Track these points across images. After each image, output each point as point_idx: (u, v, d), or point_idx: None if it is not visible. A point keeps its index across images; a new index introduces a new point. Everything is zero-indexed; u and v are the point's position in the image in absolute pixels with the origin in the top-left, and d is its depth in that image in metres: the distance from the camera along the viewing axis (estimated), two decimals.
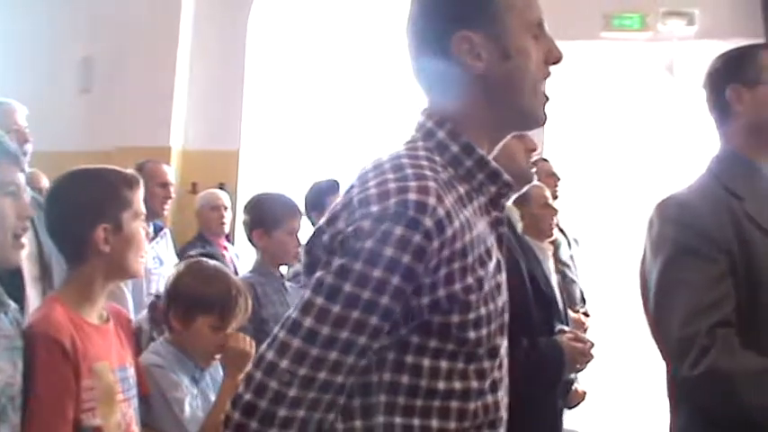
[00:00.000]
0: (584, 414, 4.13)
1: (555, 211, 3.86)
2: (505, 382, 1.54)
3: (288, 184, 5.55)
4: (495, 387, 1.48)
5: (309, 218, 4.14)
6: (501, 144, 1.58)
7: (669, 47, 6.11)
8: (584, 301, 4.52)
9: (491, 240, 1.47)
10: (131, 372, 2.27)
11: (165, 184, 4.76)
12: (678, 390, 2.05)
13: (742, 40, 5.02)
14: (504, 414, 1.50)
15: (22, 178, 2.01)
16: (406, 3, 1.56)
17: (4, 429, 1.88)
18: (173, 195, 4.87)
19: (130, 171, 2.41)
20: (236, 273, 4.27)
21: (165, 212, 4.85)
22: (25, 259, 2.41)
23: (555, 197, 4.26)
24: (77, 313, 2.11)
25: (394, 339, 1.37)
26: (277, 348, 1.33)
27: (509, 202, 1.60)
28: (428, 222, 1.32)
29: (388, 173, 1.38)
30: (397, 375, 1.38)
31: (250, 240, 3.55)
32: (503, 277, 1.51)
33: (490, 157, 1.52)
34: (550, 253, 3.88)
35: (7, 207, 1.95)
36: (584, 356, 2.55)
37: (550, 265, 3.72)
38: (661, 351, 2.01)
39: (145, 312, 2.92)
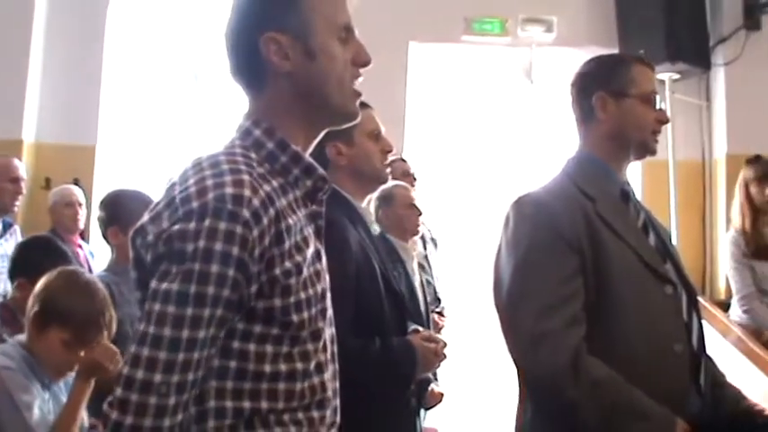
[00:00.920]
0: (442, 414, 4.20)
1: (419, 212, 3.90)
2: (334, 367, 1.62)
3: (144, 181, 5.42)
4: (320, 369, 1.55)
5: None
6: (316, 139, 1.67)
7: (528, 52, 6.28)
8: (438, 301, 4.58)
9: (309, 231, 1.57)
10: None
11: (16, 180, 4.60)
12: (525, 385, 2.10)
13: (597, 49, 5.20)
14: (330, 394, 1.58)
15: None
16: None
17: None
18: (24, 191, 4.70)
19: None
20: (91, 271, 4.15)
21: (16, 209, 4.69)
22: None
23: None
24: None
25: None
26: (145, 365, 1.35)
27: (371, 204, 1.65)
28: (246, 213, 1.40)
29: (206, 170, 1.45)
30: (226, 361, 1.44)
31: (105, 238, 3.45)
32: (322, 265, 1.60)
33: (307, 153, 1.62)
34: (414, 253, 3.92)
35: None
36: (436, 356, 2.59)
37: (414, 265, 3.75)
38: (510, 347, 2.05)
39: None
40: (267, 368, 1.47)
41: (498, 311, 2.10)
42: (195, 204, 1.40)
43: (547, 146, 5.75)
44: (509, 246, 2.07)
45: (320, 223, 1.64)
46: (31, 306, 2.50)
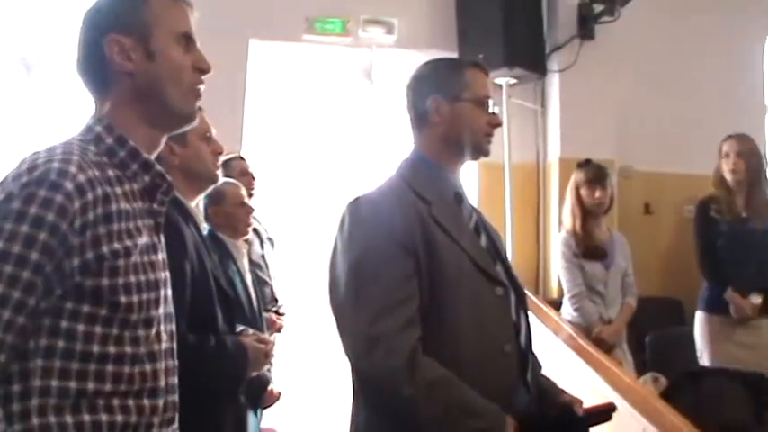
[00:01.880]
0: (279, 413, 4.17)
1: (250, 210, 3.85)
2: (172, 362, 1.67)
3: None
4: (153, 357, 1.60)
5: None
6: (162, 139, 1.77)
7: (368, 53, 6.32)
8: (276, 300, 4.56)
9: (144, 223, 1.64)
10: None
11: None
12: (360, 385, 2.11)
13: (437, 52, 5.33)
14: (163, 385, 1.61)
15: None
16: None
17: None
18: None
19: None
20: None
21: None
22: None
23: (250, 196, 4.26)
24: None
25: (50, 305, 1.47)
26: None
27: (201, 203, 1.66)
28: (69, 185, 1.47)
29: (40, 153, 1.54)
30: (54, 340, 1.47)
31: None
32: (158, 258, 1.67)
33: (154, 153, 1.73)
34: (245, 251, 3.88)
35: None
36: (266, 357, 2.59)
37: (245, 264, 3.72)
38: (346, 348, 2.06)
39: None
40: (95, 348, 1.50)
41: (334, 313, 2.10)
42: (24, 178, 1.47)
43: (385, 147, 5.79)
44: (344, 247, 2.07)
45: (160, 220, 1.71)
46: None
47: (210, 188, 2.64)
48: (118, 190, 1.58)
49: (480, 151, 2.27)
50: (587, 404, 2.25)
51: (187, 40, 1.74)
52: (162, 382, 1.61)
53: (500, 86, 5.95)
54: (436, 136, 2.24)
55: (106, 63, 1.67)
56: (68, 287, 1.48)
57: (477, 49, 5.71)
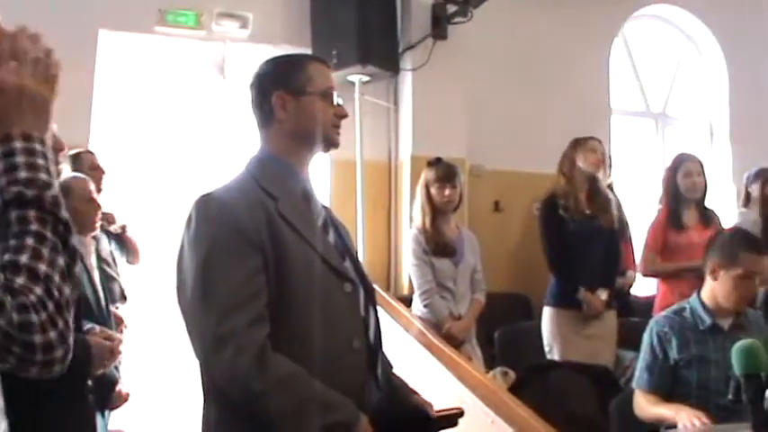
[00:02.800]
0: (128, 414, 4.06)
1: (98, 206, 3.73)
2: None
3: None
4: None
5: None
6: None
7: (222, 47, 6.22)
8: (124, 297, 4.44)
9: None
10: None
11: None
12: (211, 385, 2.07)
13: (291, 48, 5.29)
14: None
15: None
16: None
17: None
18: None
19: None
20: None
21: None
22: None
23: (99, 190, 4.13)
24: None
25: None
26: None
27: None
28: None
29: None
30: None
31: None
32: None
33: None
34: (93, 248, 3.75)
35: None
36: (112, 354, 2.50)
37: (93, 261, 3.60)
38: (195, 347, 2.01)
39: None
40: None
41: (182, 312, 2.05)
42: None
43: (237, 143, 5.71)
44: (191, 245, 2.03)
45: None
46: None
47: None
48: None
49: (330, 143, 2.25)
50: (437, 402, 2.26)
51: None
52: None
53: (353, 84, 5.96)
54: (283, 132, 2.21)
55: None
56: None
57: (331, 46, 5.71)
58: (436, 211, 4.87)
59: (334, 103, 2.25)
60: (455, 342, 4.59)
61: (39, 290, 1.27)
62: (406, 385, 2.34)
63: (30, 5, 3.52)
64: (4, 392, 1.51)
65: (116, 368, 3.34)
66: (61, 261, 1.32)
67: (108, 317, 3.38)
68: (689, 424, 3.00)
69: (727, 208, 6.57)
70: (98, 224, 3.78)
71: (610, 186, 5.28)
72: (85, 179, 3.75)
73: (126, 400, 3.61)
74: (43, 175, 1.37)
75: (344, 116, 2.28)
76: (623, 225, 5.36)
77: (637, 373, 3.48)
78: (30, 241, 1.30)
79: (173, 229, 4.53)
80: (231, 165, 2.70)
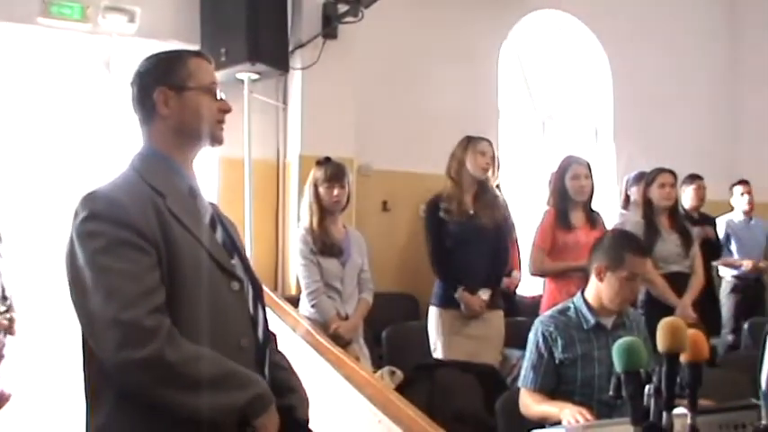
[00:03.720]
0: (9, 417, 3.96)
1: None
2: None
3: None
4: None
5: None
6: None
7: (108, 42, 6.06)
8: (5, 298, 4.29)
9: None
10: None
11: None
12: (106, 382, 2.00)
13: (179, 44, 5.21)
14: None
15: None
16: None
17: None
18: None
19: None
20: None
21: None
22: None
23: None
24: None
25: None
26: None
27: None
28: None
29: None
30: None
31: None
32: None
33: None
34: None
35: None
36: None
37: None
38: (96, 342, 1.95)
39: None
40: None
41: (78, 310, 1.99)
42: None
43: (122, 139, 5.58)
44: (83, 241, 1.97)
45: None
46: None
47: None
48: None
49: (214, 139, 2.22)
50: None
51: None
52: None
53: (242, 82, 5.90)
54: (166, 128, 2.17)
55: None
56: None
57: (220, 43, 5.65)
58: (324, 211, 4.85)
59: (218, 97, 2.22)
60: (342, 342, 4.58)
61: None
62: (285, 383, 2.30)
63: None
64: None
65: None
66: None
67: None
68: (572, 420, 3.07)
69: (611, 209, 6.75)
70: None
71: (497, 187, 5.36)
72: None
73: (7, 400, 3.51)
74: None
75: (228, 110, 2.25)
76: (509, 226, 5.45)
77: (522, 372, 3.54)
78: None
79: (56, 228, 4.42)
80: (116, 162, 2.64)
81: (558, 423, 3.15)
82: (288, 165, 6.39)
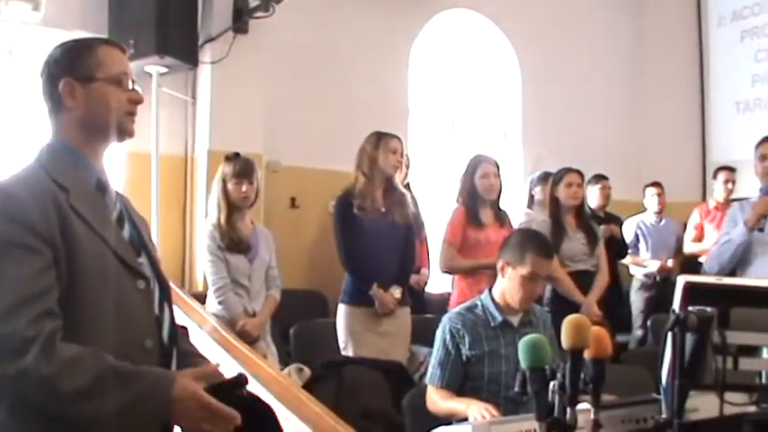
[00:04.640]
0: None
1: None
2: None
3: None
4: None
5: None
6: None
7: (12, 30, 5.89)
8: None
9: None
10: None
11: None
12: None
13: (86, 34, 5.06)
14: None
15: None
16: None
17: None
18: None
19: None
20: None
21: None
22: None
23: None
24: None
25: None
26: None
27: None
28: None
29: None
30: None
31: None
32: None
33: None
34: None
35: None
36: None
37: None
38: None
39: None
40: None
41: None
42: None
43: (27, 130, 5.43)
44: None
45: None
46: None
47: None
48: None
49: (124, 132, 2.16)
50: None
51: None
52: None
53: (150, 75, 5.81)
54: (73, 121, 2.11)
55: None
56: None
57: (128, 35, 5.53)
58: (232, 207, 4.80)
59: (128, 88, 2.16)
60: (250, 339, 4.55)
61: None
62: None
63: None
64: None
65: None
66: None
67: None
68: (479, 416, 3.10)
69: (517, 208, 6.85)
70: None
71: (407, 186, 5.38)
72: None
73: None
74: None
75: (139, 101, 2.19)
76: (419, 224, 5.48)
77: (430, 369, 3.56)
78: None
79: None
80: (20, 155, 2.57)
81: (464, 420, 3.18)
82: (196, 160, 6.32)
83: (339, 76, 6.94)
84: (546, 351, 2.25)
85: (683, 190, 8.73)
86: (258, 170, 5.01)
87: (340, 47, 6.99)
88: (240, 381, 2.09)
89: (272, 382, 3.69)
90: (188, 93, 6.37)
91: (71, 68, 2.11)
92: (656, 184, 7.81)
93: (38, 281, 1.87)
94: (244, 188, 4.78)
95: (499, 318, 3.51)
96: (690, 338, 2.22)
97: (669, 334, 2.23)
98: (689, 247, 7.54)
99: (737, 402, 2.37)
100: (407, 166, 5.45)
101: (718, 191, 7.68)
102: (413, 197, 5.37)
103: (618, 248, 6.88)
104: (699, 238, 7.55)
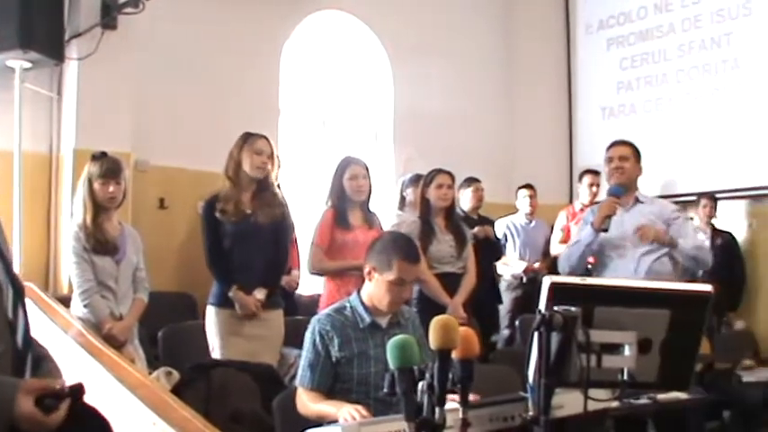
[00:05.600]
0: None
1: None
2: None
3: None
4: None
5: None
6: None
7: None
8: None
9: None
10: None
11: None
12: None
13: None
14: None
15: None
16: None
17: None
18: None
19: None
20: None
21: None
22: None
23: None
24: None
25: None
26: None
27: None
28: None
29: None
30: None
31: None
32: None
33: None
34: None
35: None
36: None
37: None
38: None
39: None
40: None
41: None
42: None
43: None
44: None
45: None
46: None
47: None
48: None
49: None
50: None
51: None
52: None
53: (13, 70, 5.63)
54: None
55: None
56: None
57: None
58: (98, 208, 4.69)
59: None
60: (116, 343, 4.46)
61: None
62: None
63: None
64: None
65: None
66: None
67: None
68: (349, 418, 3.12)
69: (389, 210, 6.91)
70: None
71: (277, 186, 5.36)
72: None
73: None
74: None
75: None
76: (288, 225, 5.47)
77: (300, 371, 3.55)
78: None
79: None
80: None
81: (335, 422, 3.19)
82: (61, 159, 6.16)
83: (210, 75, 6.87)
84: (414, 351, 2.29)
85: (552, 193, 9.01)
86: (126, 170, 4.90)
87: (211, 45, 6.92)
88: (74, 392, 2.02)
89: (140, 387, 3.63)
90: (53, 89, 6.21)
91: None
92: (528, 186, 8.01)
93: None
94: (111, 188, 4.67)
95: (368, 319, 3.53)
96: (555, 337, 2.29)
97: (535, 333, 2.30)
98: (555, 249, 7.77)
99: (601, 398, 2.47)
100: (278, 167, 5.41)
101: (583, 194, 7.95)
102: (283, 198, 5.35)
103: (493, 250, 7.02)
104: (565, 240, 7.77)
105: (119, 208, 4.86)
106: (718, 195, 7.89)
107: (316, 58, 8.21)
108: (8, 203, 5.57)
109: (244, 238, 4.95)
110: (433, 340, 2.25)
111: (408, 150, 8.09)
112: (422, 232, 5.51)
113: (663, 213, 5.08)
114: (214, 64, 6.90)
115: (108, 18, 6.08)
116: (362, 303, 3.57)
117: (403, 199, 6.88)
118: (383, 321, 3.57)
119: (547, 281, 2.38)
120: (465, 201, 7.15)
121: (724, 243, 7.69)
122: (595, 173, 7.86)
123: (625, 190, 5.04)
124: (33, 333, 2.16)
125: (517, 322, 6.76)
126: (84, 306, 4.62)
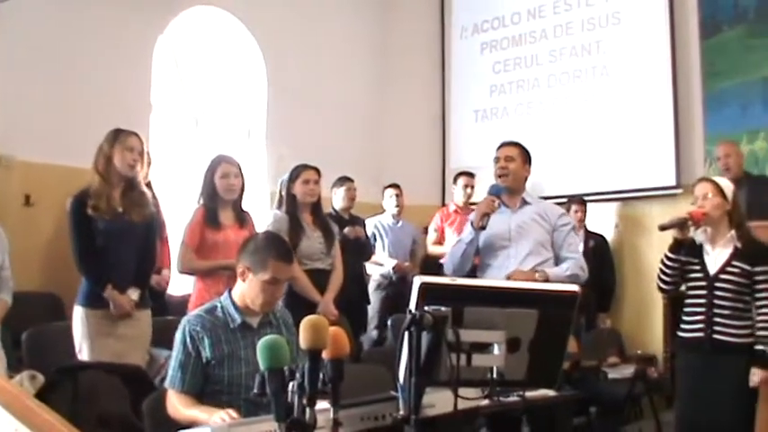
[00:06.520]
0: None
1: None
2: None
3: None
4: None
5: None
6: None
7: None
8: None
9: None
10: None
11: None
12: None
13: None
14: None
15: None
16: None
17: None
18: None
19: None
20: None
21: None
22: None
23: None
24: None
25: None
26: None
27: None
28: None
29: None
30: None
31: None
32: None
33: None
34: None
35: None
36: None
37: None
38: None
39: None
40: None
41: None
42: None
43: None
44: None
45: None
46: None
47: None
48: None
49: None
50: None
51: None
52: None
53: None
54: None
55: None
56: None
57: None
58: None
59: None
60: None
61: None
62: None
63: None
64: None
65: None
66: None
67: None
68: (219, 421, 3.08)
69: (262, 209, 6.86)
70: None
71: (148, 185, 5.25)
72: None
73: None
74: None
75: None
76: (159, 223, 5.37)
77: (170, 372, 3.49)
78: None
79: None
80: None
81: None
82: None
83: (79, 69, 6.68)
84: (284, 352, 2.28)
85: (424, 194, 9.11)
86: None
87: (81, 38, 6.73)
88: None
89: (0, 393, 3.50)
90: None
91: None
92: (394, 186, 8.07)
93: None
94: None
95: (238, 319, 3.49)
96: (425, 337, 2.31)
97: (406, 333, 2.32)
98: (429, 249, 7.86)
99: (471, 397, 2.51)
100: (149, 164, 5.30)
101: (457, 195, 8.07)
102: (154, 196, 5.25)
103: (363, 250, 7.05)
104: (439, 241, 7.89)
105: None
106: (587, 198, 8.07)
107: (189, 55, 8.09)
108: None
109: (115, 237, 4.83)
110: (303, 340, 2.24)
111: (281, 149, 8.05)
112: (291, 228, 5.48)
113: (550, 217, 5.06)
114: (84, 57, 6.72)
115: None
116: (234, 303, 3.53)
117: (281, 198, 6.84)
118: (254, 321, 3.54)
119: (417, 281, 2.40)
120: (337, 200, 7.17)
121: (596, 246, 7.89)
122: (470, 175, 7.99)
123: (509, 190, 5.04)
124: None
125: (389, 322, 6.80)
126: None
